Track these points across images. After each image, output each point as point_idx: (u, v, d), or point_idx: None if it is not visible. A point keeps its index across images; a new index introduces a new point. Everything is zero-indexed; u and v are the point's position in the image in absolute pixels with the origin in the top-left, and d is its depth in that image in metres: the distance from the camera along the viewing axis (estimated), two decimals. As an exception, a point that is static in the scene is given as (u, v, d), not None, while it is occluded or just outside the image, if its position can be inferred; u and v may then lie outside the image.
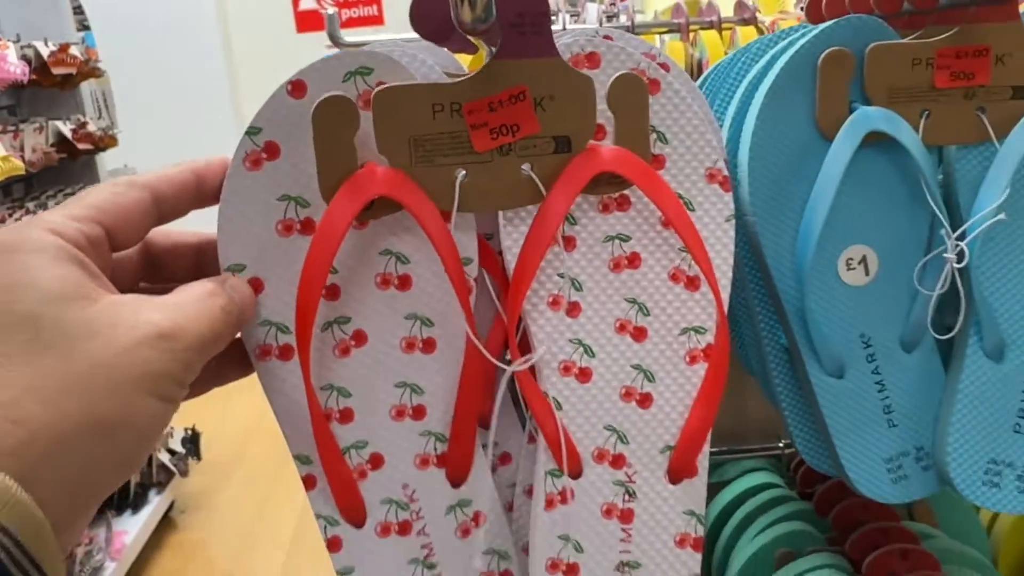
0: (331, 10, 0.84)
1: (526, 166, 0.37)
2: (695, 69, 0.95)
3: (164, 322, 0.30)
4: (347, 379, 0.38)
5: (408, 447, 0.38)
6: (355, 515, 0.38)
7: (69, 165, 2.29)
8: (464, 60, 0.51)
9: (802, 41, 0.48)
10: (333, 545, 0.38)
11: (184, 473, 2.63)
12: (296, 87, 0.36)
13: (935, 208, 0.46)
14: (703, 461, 0.41)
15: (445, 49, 0.43)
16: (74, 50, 2.21)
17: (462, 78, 0.36)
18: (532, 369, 0.39)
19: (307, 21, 3.64)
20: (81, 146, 2.19)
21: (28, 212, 2.09)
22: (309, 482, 0.38)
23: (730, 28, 0.85)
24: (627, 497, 0.40)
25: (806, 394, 0.52)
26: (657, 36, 0.99)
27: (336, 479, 0.37)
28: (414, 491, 0.38)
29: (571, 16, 1.07)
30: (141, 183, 0.35)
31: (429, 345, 0.38)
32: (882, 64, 0.46)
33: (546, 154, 0.37)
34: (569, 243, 0.39)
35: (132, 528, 2.35)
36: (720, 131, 0.44)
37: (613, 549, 0.40)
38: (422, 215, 0.35)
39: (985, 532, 0.76)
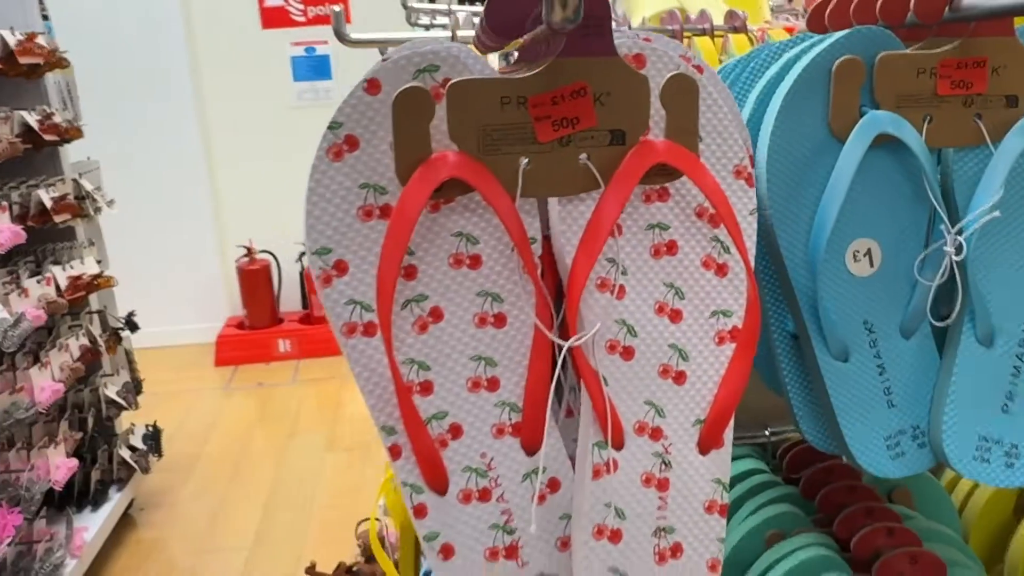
0: (337, 7, 0.86)
1: (583, 156, 0.40)
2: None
3: None
4: (426, 354, 0.40)
5: (485, 417, 0.41)
6: (438, 483, 0.41)
7: (33, 156, 2.25)
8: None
9: (817, 50, 0.51)
10: (419, 512, 0.41)
11: (146, 470, 2.59)
12: (372, 85, 0.39)
13: (936, 204, 0.51)
14: (728, 434, 0.45)
15: (469, 47, 0.46)
16: (41, 40, 2.18)
17: (529, 73, 0.39)
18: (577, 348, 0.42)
19: (273, 17, 3.62)
20: (47, 137, 2.15)
21: (-9, 203, 2.05)
22: (395, 452, 0.41)
23: (722, 35, 0.89)
24: (663, 467, 0.43)
25: (812, 378, 0.56)
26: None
27: (421, 448, 0.39)
28: (492, 459, 0.41)
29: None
30: None
31: (500, 320, 0.41)
32: (890, 72, 0.51)
33: (602, 146, 0.40)
34: (618, 230, 0.42)
35: (92, 525, 2.32)
36: (746, 130, 0.47)
37: (651, 515, 0.43)
38: (492, 197, 0.38)
39: (957, 515, 0.81)
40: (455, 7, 1.33)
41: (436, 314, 0.40)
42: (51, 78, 2.32)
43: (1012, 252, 0.52)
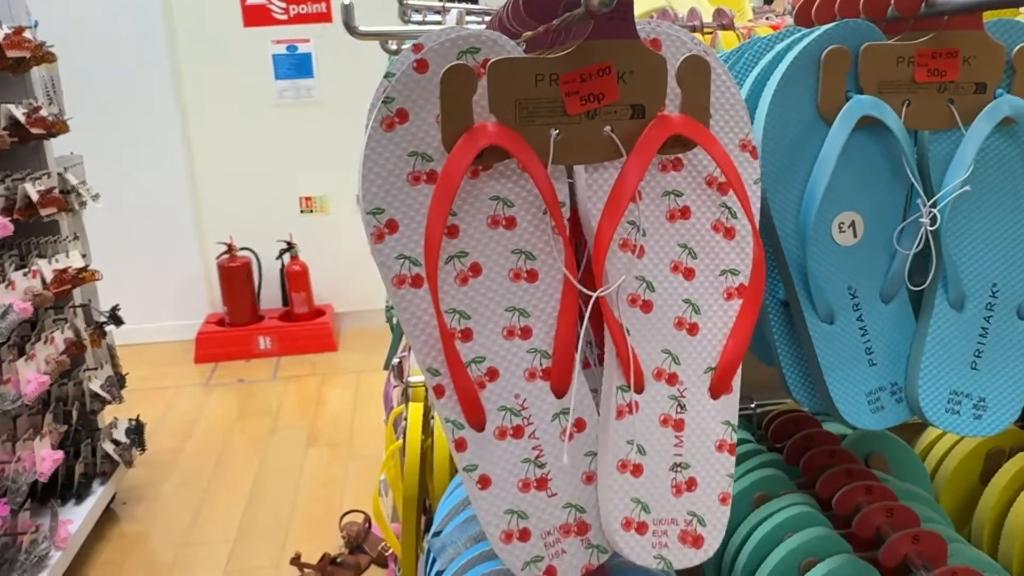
0: (346, 0, 0.90)
1: (608, 128, 0.45)
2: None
3: None
4: (466, 304, 0.45)
5: (518, 362, 0.46)
6: (477, 420, 0.45)
7: (18, 150, 2.26)
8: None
9: (807, 40, 0.57)
10: (459, 445, 0.46)
11: (129, 463, 2.60)
12: (420, 64, 0.44)
13: (914, 181, 0.56)
14: (736, 381, 0.50)
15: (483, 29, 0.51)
16: (28, 34, 2.19)
17: (561, 54, 0.44)
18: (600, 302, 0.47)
19: (254, 15, 3.63)
20: (34, 131, 2.17)
21: (-22, 195, 2.05)
22: (438, 391, 0.45)
23: (711, 32, 0.95)
24: (679, 409, 0.48)
25: (801, 340, 0.61)
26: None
27: (462, 388, 0.44)
28: (524, 400, 0.46)
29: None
30: None
31: (532, 275, 0.46)
32: (873, 61, 0.56)
33: (624, 119, 0.45)
34: (638, 195, 0.47)
35: (76, 518, 2.33)
36: (747, 109, 0.52)
37: (669, 452, 0.48)
38: (528, 163, 0.43)
39: (929, 480, 0.87)
40: (448, 4, 1.38)
41: (475, 269, 0.45)
42: (36, 72, 2.33)
43: (981, 223, 0.58)
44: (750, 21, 1.05)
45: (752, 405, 0.92)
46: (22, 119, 2.13)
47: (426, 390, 1.01)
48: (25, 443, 2.15)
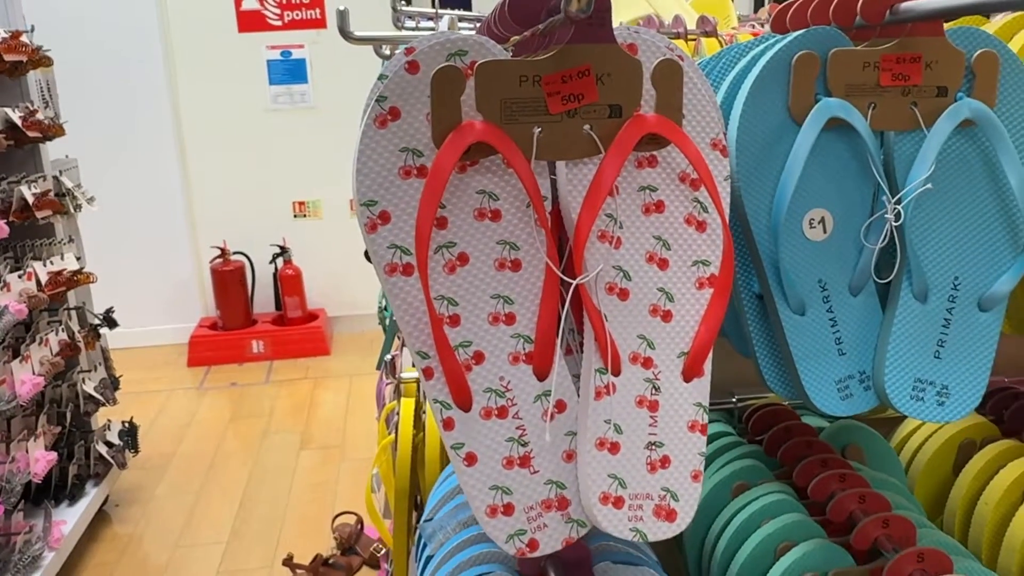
0: (342, 6, 0.93)
1: (587, 126, 0.48)
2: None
3: None
4: (454, 291, 0.48)
5: (503, 347, 0.49)
6: (464, 400, 0.48)
7: (14, 153, 2.28)
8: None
9: (779, 45, 0.60)
10: (447, 425, 0.48)
11: (122, 465, 2.62)
12: (412, 65, 0.47)
13: (879, 179, 0.60)
14: (708, 366, 0.53)
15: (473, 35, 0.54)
16: (24, 38, 2.22)
17: (543, 57, 0.47)
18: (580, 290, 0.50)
19: (249, 21, 3.66)
20: (31, 134, 2.19)
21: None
22: (428, 373, 0.48)
23: (695, 39, 0.98)
24: (654, 391, 0.51)
25: (774, 331, 0.64)
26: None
27: (450, 371, 0.47)
28: (508, 382, 0.49)
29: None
30: None
31: (516, 265, 0.49)
32: (841, 65, 0.59)
33: (603, 118, 0.48)
34: (615, 190, 0.50)
35: (70, 519, 2.34)
36: (719, 110, 0.55)
37: (644, 431, 0.51)
38: (512, 159, 0.46)
39: (903, 470, 0.90)
40: (441, 11, 1.41)
41: (463, 258, 0.48)
42: (32, 76, 2.35)
43: (943, 220, 0.62)
44: (733, 28, 1.09)
45: (733, 399, 0.95)
46: (18, 122, 2.16)
47: (418, 381, 1.04)
48: (19, 444, 2.17)
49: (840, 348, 0.63)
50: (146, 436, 2.99)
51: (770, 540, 0.72)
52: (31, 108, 2.26)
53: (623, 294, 0.51)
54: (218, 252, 3.78)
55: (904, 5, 0.58)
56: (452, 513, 0.75)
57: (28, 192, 2.19)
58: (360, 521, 2.43)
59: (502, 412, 0.49)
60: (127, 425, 2.72)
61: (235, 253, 3.82)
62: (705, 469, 0.88)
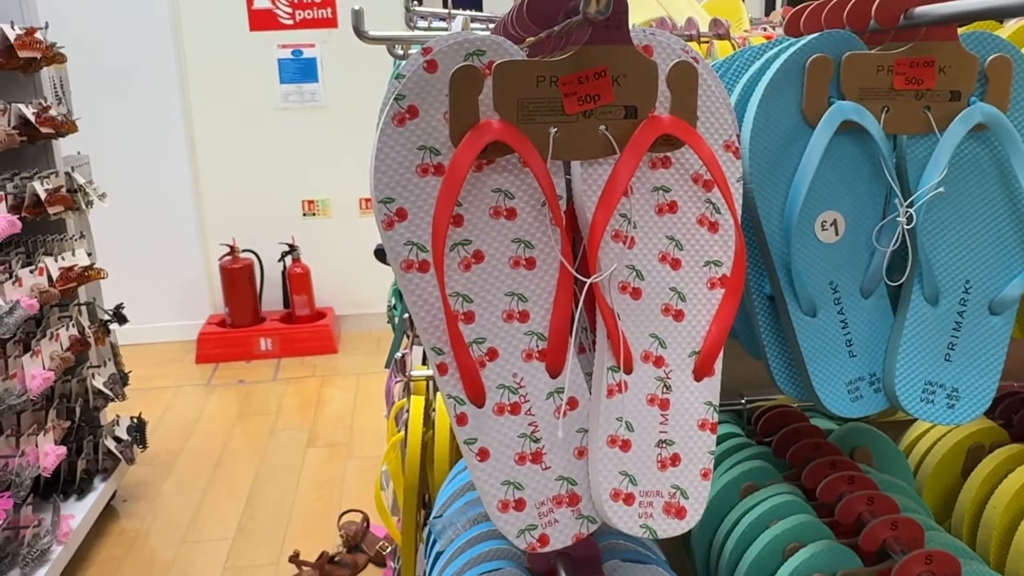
0: (356, 6, 0.94)
1: (603, 127, 0.49)
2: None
3: None
4: (469, 288, 0.48)
5: (516, 344, 0.49)
6: (477, 396, 0.49)
7: (26, 149, 2.30)
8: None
9: (793, 48, 0.61)
10: (460, 420, 0.49)
11: (131, 460, 2.63)
12: (430, 65, 0.47)
13: (892, 182, 0.60)
14: (718, 365, 0.53)
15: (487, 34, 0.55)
16: (39, 35, 2.23)
17: (560, 57, 0.47)
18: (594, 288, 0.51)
19: (260, 20, 3.68)
20: (44, 130, 2.20)
21: (-12, 193, 2.09)
22: (442, 369, 0.49)
23: (708, 41, 0.99)
24: (665, 390, 0.52)
25: (786, 332, 0.65)
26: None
27: (464, 367, 0.48)
28: (522, 379, 0.49)
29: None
30: None
31: (531, 263, 0.49)
32: (854, 69, 0.60)
33: (618, 119, 0.49)
34: (629, 190, 0.51)
35: (78, 513, 2.35)
36: (733, 112, 0.56)
37: (655, 429, 0.51)
38: (528, 158, 0.47)
39: (912, 473, 0.91)
40: (453, 11, 1.42)
41: (478, 256, 0.49)
42: (45, 73, 2.37)
43: (955, 223, 0.62)
44: (745, 31, 1.09)
45: (743, 401, 0.95)
46: (32, 118, 2.17)
47: (427, 379, 1.05)
48: (29, 438, 2.18)
49: (851, 350, 0.64)
50: (154, 432, 3.00)
51: (778, 541, 0.73)
52: (44, 104, 2.27)
53: (636, 293, 0.51)
54: (227, 249, 3.79)
55: (918, 9, 0.58)
56: (462, 510, 0.76)
57: (40, 188, 2.21)
58: (366, 519, 2.44)
59: (515, 408, 0.50)
60: (136, 421, 2.74)
61: (244, 251, 3.83)
62: (714, 469, 0.89)
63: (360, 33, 0.95)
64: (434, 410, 1.04)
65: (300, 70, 3.74)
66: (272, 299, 3.98)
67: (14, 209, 2.17)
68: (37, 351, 2.18)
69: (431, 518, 0.80)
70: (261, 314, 3.93)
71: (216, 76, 3.71)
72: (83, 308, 2.50)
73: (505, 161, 0.49)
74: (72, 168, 2.49)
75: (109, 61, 3.63)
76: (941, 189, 0.59)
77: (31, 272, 2.18)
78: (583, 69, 0.47)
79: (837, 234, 0.62)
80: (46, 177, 2.30)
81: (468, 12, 1.41)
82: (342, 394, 3.50)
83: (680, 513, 0.51)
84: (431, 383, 1.04)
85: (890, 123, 0.61)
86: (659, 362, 0.52)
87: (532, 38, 0.58)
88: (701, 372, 0.52)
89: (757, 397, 0.96)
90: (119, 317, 2.61)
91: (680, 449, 0.52)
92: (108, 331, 2.60)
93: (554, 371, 0.50)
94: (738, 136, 0.55)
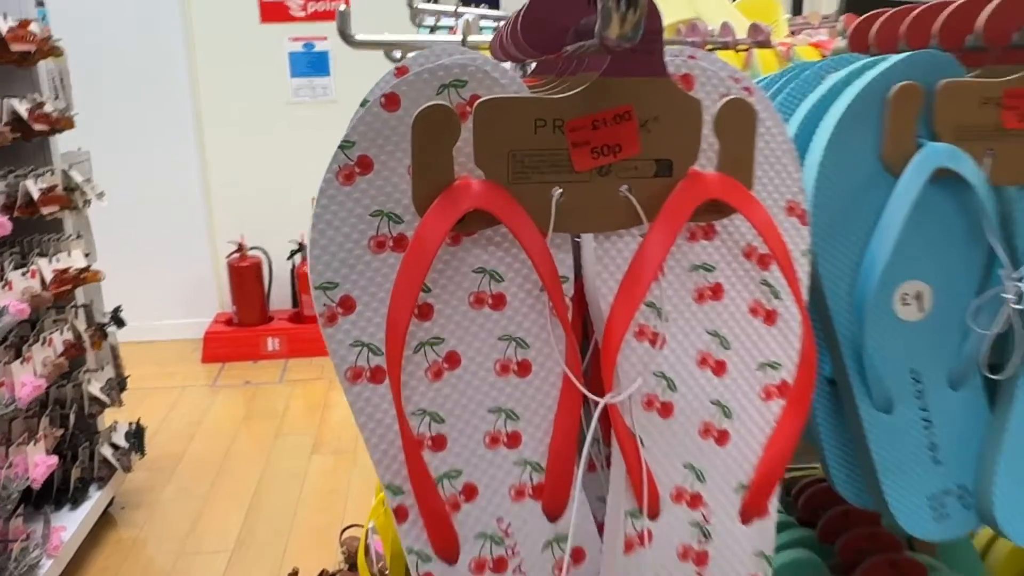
0: (342, 6, 0.81)
1: (625, 188, 0.36)
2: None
3: None
4: (440, 404, 0.35)
5: (503, 477, 0.36)
6: (448, 551, 0.36)
7: (22, 146, 2.20)
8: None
9: (871, 74, 0.47)
10: None
11: (127, 468, 2.54)
12: (390, 100, 0.34)
13: (996, 247, 0.46)
14: (774, 502, 0.40)
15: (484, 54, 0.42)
16: (34, 27, 2.12)
17: (568, 94, 0.34)
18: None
19: (271, 11, 3.56)
20: (37, 127, 2.10)
21: (-24, 192, 1.99)
22: (400, 514, 0.36)
23: (746, 49, 0.85)
24: (702, 538, 0.39)
25: (851, 428, 0.52)
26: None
27: (429, 511, 0.35)
28: (509, 524, 0.36)
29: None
30: None
31: (524, 368, 0.36)
32: (952, 101, 0.46)
33: (646, 177, 0.36)
34: (660, 272, 0.38)
35: (71, 524, 2.26)
36: (799, 161, 0.43)
37: None
38: (521, 231, 0.34)
39: (980, 561, 0.77)
40: (461, 8, 1.29)
41: (453, 360, 0.36)
42: (44, 66, 2.26)
43: (1077, 302, 0.48)
44: (787, 37, 0.95)
45: (782, 469, 0.82)
46: (24, 115, 2.07)
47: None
48: (19, 448, 2.09)
49: (935, 455, 0.50)
50: (156, 434, 2.92)
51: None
52: (38, 100, 2.16)
53: (665, 409, 0.38)
54: (235, 247, 3.70)
55: (1042, 26, 0.44)
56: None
57: (33, 187, 2.10)
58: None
59: (499, 565, 0.37)
60: (134, 427, 2.64)
61: (252, 248, 3.73)
62: None
63: (346, 37, 0.82)
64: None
65: (312, 63, 3.62)
66: (280, 298, 3.89)
67: (5, 209, 2.07)
68: (28, 357, 2.08)
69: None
70: (269, 313, 3.83)
71: (226, 69, 3.60)
72: (80, 311, 2.40)
73: (492, 232, 0.36)
74: (70, 165, 2.38)
75: (117, 53, 3.53)
76: (1062, 259, 0.46)
77: (23, 275, 2.08)
78: (600, 110, 0.34)
79: (921, 311, 0.49)
80: (41, 175, 2.19)
81: (478, 10, 1.27)
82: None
83: None
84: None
85: (997, 172, 0.47)
86: (695, 501, 0.39)
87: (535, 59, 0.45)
88: (751, 512, 0.39)
89: (797, 465, 0.83)
90: (117, 320, 2.51)
91: (722, 617, 0.39)
92: (105, 335, 2.50)
93: (553, 513, 0.37)
94: (803, 195, 0.41)
